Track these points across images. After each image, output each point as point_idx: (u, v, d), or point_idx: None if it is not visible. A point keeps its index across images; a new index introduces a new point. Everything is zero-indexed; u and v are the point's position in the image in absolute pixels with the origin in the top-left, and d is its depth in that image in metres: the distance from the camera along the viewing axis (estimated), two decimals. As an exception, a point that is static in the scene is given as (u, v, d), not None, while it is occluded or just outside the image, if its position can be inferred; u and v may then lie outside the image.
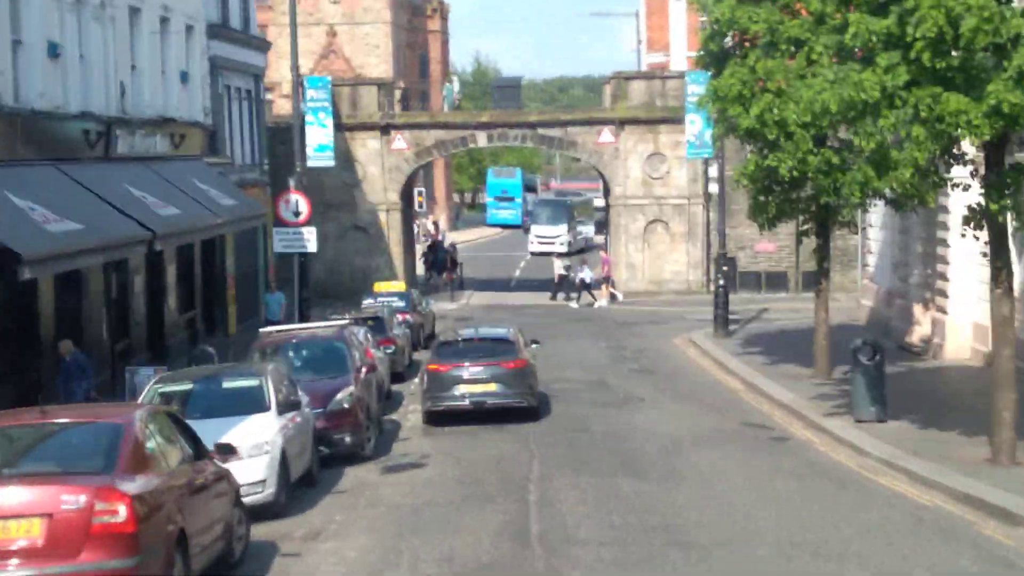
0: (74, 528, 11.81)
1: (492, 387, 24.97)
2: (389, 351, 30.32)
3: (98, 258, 25.15)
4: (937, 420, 22.34)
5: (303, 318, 34.04)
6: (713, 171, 44.13)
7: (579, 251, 68.12)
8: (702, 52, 26.75)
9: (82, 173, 26.62)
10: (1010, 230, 19.23)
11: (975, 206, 19.02)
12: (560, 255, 62.26)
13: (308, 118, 46.82)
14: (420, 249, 60.70)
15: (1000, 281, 18.98)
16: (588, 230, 79.82)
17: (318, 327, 27.10)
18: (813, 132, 22.54)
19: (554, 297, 51.12)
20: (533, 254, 72.22)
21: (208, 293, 36.98)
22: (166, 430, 14.04)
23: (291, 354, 24.22)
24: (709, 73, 26.78)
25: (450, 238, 68.02)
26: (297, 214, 34.34)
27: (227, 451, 15.12)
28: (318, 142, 47.73)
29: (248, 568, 15.11)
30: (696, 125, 45.64)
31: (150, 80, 32.44)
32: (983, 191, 18.77)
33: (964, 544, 15.26)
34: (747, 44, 24.98)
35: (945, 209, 28.89)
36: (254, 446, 17.50)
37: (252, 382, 19.29)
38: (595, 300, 49.25)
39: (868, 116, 18.10)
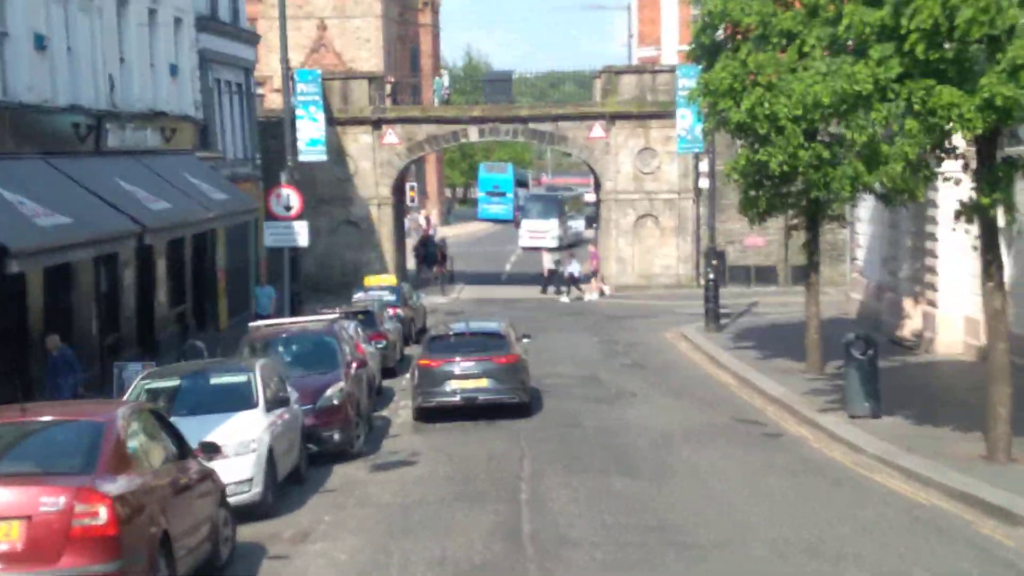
0: (54, 531, 11.50)
1: (484, 382, 24.75)
2: (380, 346, 30.09)
3: (88, 252, 24.94)
4: (931, 416, 22.16)
5: (295, 312, 33.84)
6: (704, 166, 44.03)
7: (569, 246, 68.06)
8: (693, 45, 26.62)
9: (72, 167, 26.41)
10: (1001, 224, 19.07)
11: (966, 200, 18.86)
12: (550, 249, 62.20)
13: (299, 112, 46.62)
14: (411, 243, 60.51)
15: (991, 275, 18.82)
16: (578, 225, 79.90)
17: (308, 321, 26.85)
18: (804, 126, 22.44)
19: (544, 291, 51.13)
20: (524, 248, 72.22)
21: (199, 287, 36.78)
22: (149, 428, 13.76)
23: (281, 349, 24.02)
24: (700, 67, 26.64)
25: (440, 232, 67.81)
26: (288, 208, 34.18)
27: (212, 450, 14.88)
28: (309, 136, 47.51)
29: (235, 571, 14.85)
30: (687, 120, 45.47)
31: (139, 73, 32.22)
32: (975, 185, 18.61)
33: (962, 543, 15.06)
34: (739, 37, 24.85)
35: (934, 203, 28.81)
36: (241, 444, 17.26)
37: (240, 378, 19.02)
38: (583, 294, 49.18)
39: (860, 109, 17.94)
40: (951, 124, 17.30)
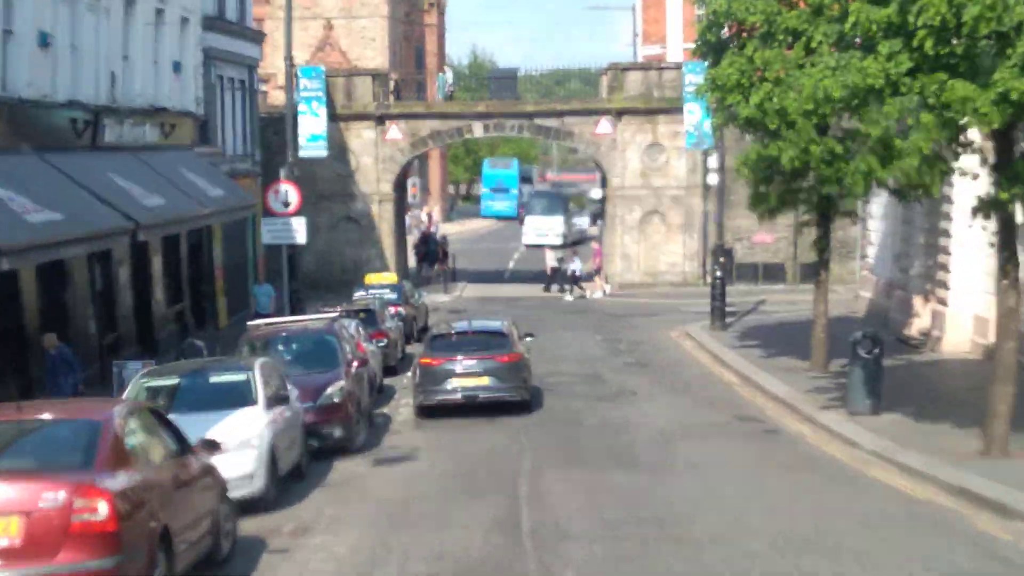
0: (53, 526, 11.48)
1: (485, 381, 24.74)
2: (381, 344, 30.03)
3: (79, 249, 24.83)
4: (930, 413, 22.15)
5: (295, 311, 33.72)
6: (712, 162, 43.79)
7: (574, 243, 67.80)
8: (699, 42, 26.47)
9: (67, 163, 26.31)
10: (1019, 220, 18.96)
11: (984, 196, 18.73)
12: (554, 247, 61.97)
13: (301, 108, 46.57)
14: (411, 240, 60.36)
15: (1007, 272, 18.74)
16: (583, 222, 79.68)
17: (308, 320, 26.80)
18: (815, 120, 22.28)
19: (547, 289, 50.89)
20: (528, 246, 71.95)
21: (197, 285, 36.71)
22: (148, 426, 13.77)
23: (281, 347, 24.03)
24: (706, 63, 26.51)
25: (442, 230, 67.69)
26: (287, 204, 33.93)
27: (211, 447, 14.88)
28: (311, 132, 47.45)
29: (235, 565, 14.85)
30: (695, 115, 45.38)
31: (142, 70, 32.19)
32: (993, 180, 18.48)
33: (958, 538, 15.08)
34: (744, 35, 24.73)
35: (949, 199, 28.55)
36: (242, 441, 17.31)
37: (240, 376, 19.04)
38: (585, 292, 49.02)
39: (872, 103, 17.83)
40: (966, 119, 17.19)
